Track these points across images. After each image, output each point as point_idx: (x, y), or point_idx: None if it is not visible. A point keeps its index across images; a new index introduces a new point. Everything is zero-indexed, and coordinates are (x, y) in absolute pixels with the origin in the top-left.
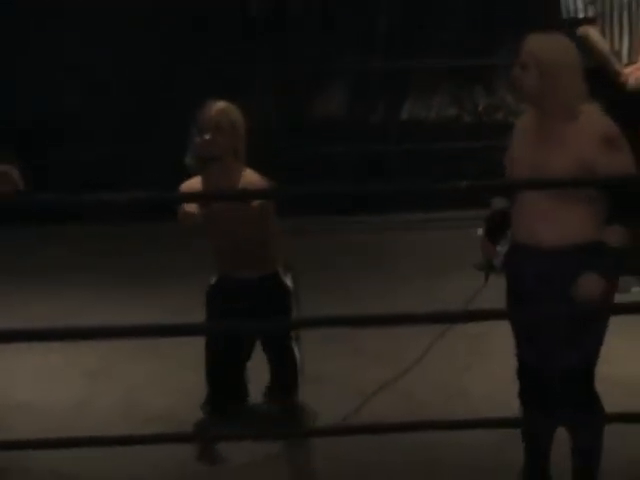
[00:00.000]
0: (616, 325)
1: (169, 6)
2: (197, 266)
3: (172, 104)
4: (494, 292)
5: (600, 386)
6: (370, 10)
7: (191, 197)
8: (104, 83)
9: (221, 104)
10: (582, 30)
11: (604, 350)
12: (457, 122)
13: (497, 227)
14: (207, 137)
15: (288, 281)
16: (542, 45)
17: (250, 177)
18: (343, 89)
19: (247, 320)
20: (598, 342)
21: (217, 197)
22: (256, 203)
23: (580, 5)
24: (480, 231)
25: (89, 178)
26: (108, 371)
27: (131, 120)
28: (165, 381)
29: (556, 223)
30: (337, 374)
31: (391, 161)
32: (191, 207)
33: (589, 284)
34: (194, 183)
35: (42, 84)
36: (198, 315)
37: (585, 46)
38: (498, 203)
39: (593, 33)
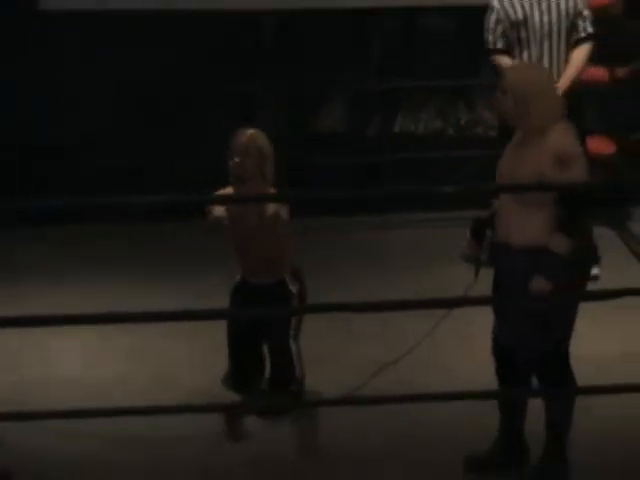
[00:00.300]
0: (584, 309)
1: (195, 33)
2: (208, 263)
3: (202, 119)
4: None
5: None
6: (367, 37)
7: (217, 200)
8: (133, 101)
9: (250, 131)
10: (495, 58)
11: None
12: (442, 134)
13: (480, 228)
14: (237, 160)
15: (293, 288)
16: (518, 75)
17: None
18: (343, 106)
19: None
20: (565, 327)
21: (236, 200)
22: (270, 212)
23: (491, 39)
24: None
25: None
26: (140, 351)
27: (156, 134)
28: (191, 359)
29: (522, 226)
30: (337, 355)
31: (385, 168)
32: (219, 213)
33: (537, 285)
34: (227, 192)
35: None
36: (214, 303)
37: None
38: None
39: (504, 60)
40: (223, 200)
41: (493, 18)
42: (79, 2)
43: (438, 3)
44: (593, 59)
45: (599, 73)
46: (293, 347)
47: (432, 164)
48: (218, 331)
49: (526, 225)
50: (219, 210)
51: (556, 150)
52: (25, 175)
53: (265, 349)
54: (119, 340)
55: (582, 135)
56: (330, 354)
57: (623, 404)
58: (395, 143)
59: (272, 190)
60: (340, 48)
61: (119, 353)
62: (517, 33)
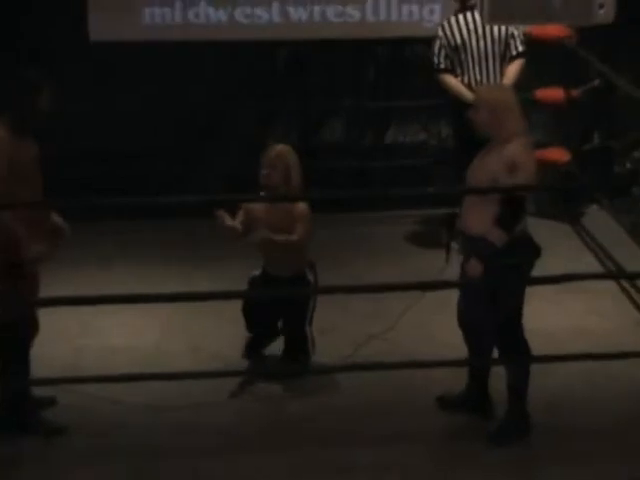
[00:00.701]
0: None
1: (223, 61)
2: (228, 256)
3: (229, 132)
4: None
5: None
6: (362, 64)
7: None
8: (170, 118)
9: (279, 147)
10: (440, 77)
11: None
12: (426, 145)
13: (451, 220)
14: (265, 172)
15: (310, 277)
16: (490, 93)
17: (296, 204)
18: (343, 121)
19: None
20: (510, 304)
21: (259, 200)
22: (299, 221)
23: (436, 61)
24: None
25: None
26: (174, 326)
27: (190, 146)
28: (216, 332)
29: (473, 218)
30: (335, 328)
31: (378, 173)
32: (230, 222)
33: (470, 267)
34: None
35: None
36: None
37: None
38: None
39: (447, 78)
40: (251, 200)
41: (438, 43)
42: (123, 34)
43: (421, 35)
44: (551, 82)
45: (556, 94)
46: (308, 331)
47: (417, 170)
48: (238, 310)
49: (476, 218)
50: (229, 220)
51: (508, 159)
52: (78, 177)
53: (283, 330)
54: (156, 316)
55: None
56: (328, 327)
57: (577, 370)
58: (386, 152)
59: (296, 191)
60: (341, 73)
61: (157, 327)
62: (458, 56)
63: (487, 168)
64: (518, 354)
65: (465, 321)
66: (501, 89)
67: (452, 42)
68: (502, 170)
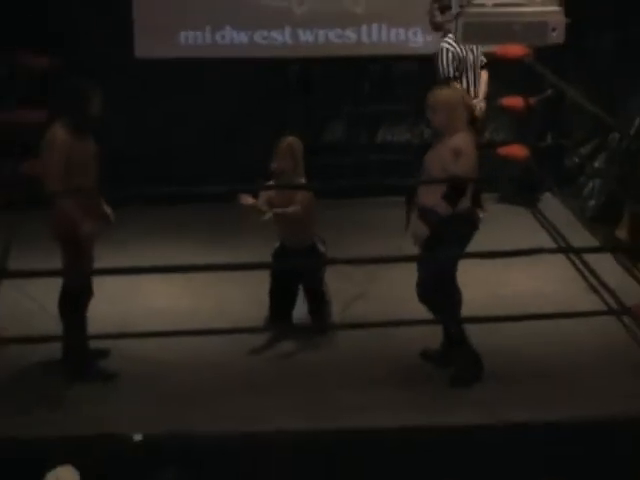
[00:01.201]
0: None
1: (245, 75)
2: (250, 233)
3: (249, 133)
4: None
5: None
6: (359, 76)
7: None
8: (201, 123)
9: (288, 139)
10: (452, 83)
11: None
12: (410, 143)
13: (411, 196)
14: (276, 161)
15: (321, 247)
16: (442, 97)
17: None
18: (343, 124)
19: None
20: (448, 263)
21: (275, 187)
22: (299, 198)
23: (450, 70)
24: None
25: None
26: (206, 291)
27: (217, 145)
28: (242, 297)
29: (426, 194)
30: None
31: (372, 166)
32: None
33: (417, 228)
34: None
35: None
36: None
37: None
38: None
39: (455, 84)
40: (267, 188)
41: (450, 56)
42: (163, 52)
43: (406, 53)
44: (513, 92)
45: (517, 101)
46: (325, 290)
47: (404, 164)
48: (260, 279)
49: (429, 194)
50: (251, 200)
51: (454, 148)
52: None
53: (305, 291)
54: (190, 284)
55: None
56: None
57: (536, 325)
58: (378, 149)
59: (302, 180)
60: (341, 85)
61: (191, 292)
62: (458, 66)
63: (438, 155)
64: (450, 305)
65: (419, 292)
66: (452, 93)
67: (458, 55)
68: (449, 156)
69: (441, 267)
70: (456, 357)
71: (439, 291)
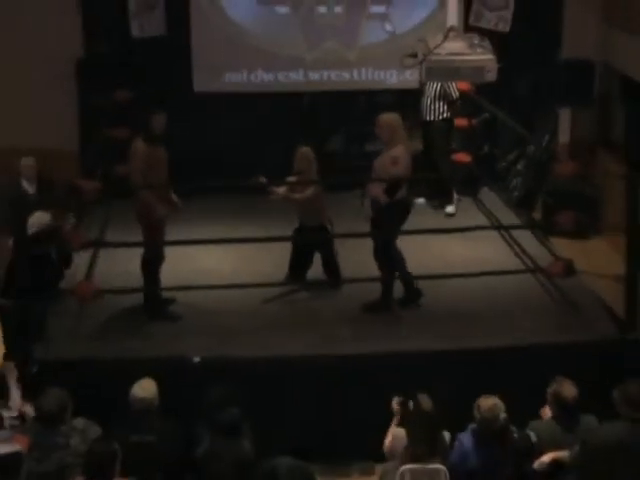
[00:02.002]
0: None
1: (269, 104)
2: (275, 215)
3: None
4: None
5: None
6: (351, 104)
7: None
8: (240, 140)
9: (303, 148)
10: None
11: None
12: None
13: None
14: (296, 164)
15: (329, 226)
16: (382, 118)
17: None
18: (341, 138)
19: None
20: (384, 240)
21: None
22: (311, 190)
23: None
24: (420, 200)
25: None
26: (244, 257)
27: (251, 155)
28: (271, 261)
29: (373, 188)
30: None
31: (361, 169)
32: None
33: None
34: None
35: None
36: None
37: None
38: None
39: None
40: (290, 183)
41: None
42: (213, 87)
43: (384, 87)
44: (461, 115)
45: (464, 122)
46: (336, 256)
47: None
48: (283, 249)
49: (374, 188)
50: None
51: (393, 156)
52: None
53: (322, 258)
54: (233, 252)
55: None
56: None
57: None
58: (366, 156)
59: (315, 178)
60: (339, 110)
61: (233, 258)
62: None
63: (382, 161)
64: (390, 264)
65: (375, 255)
66: (393, 116)
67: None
68: (389, 162)
69: (385, 239)
70: (381, 294)
71: (386, 254)
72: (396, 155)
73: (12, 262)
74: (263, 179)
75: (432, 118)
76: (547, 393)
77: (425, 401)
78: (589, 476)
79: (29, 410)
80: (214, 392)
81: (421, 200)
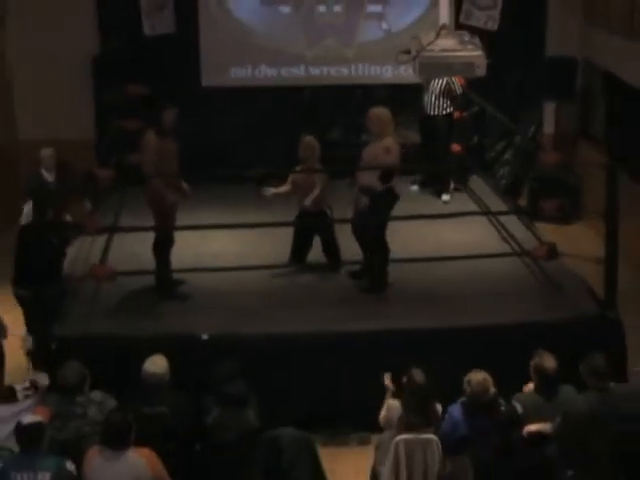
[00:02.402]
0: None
1: (272, 98)
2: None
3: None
4: None
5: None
6: (349, 97)
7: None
8: (245, 132)
9: (307, 137)
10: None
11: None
12: None
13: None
14: (301, 152)
15: (328, 212)
16: (373, 111)
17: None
18: (340, 128)
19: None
20: (381, 222)
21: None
22: (315, 177)
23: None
24: (413, 187)
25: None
26: (249, 241)
27: (254, 147)
28: (274, 245)
29: (366, 176)
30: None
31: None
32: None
33: (361, 201)
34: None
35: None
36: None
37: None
38: None
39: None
40: (295, 172)
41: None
42: (220, 82)
43: (380, 82)
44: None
45: (455, 114)
46: (335, 238)
47: None
48: (285, 233)
49: (367, 176)
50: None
51: (385, 147)
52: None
53: (321, 239)
54: (239, 236)
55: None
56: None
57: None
58: (362, 145)
59: (319, 166)
60: (338, 102)
61: (239, 242)
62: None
63: (373, 151)
64: (378, 250)
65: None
66: (383, 110)
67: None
68: (382, 152)
69: (377, 222)
70: (370, 279)
71: (380, 239)
72: (388, 145)
73: (19, 251)
74: (270, 190)
75: (436, 113)
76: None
77: (418, 375)
78: (567, 445)
79: (41, 379)
80: (221, 367)
81: (415, 187)
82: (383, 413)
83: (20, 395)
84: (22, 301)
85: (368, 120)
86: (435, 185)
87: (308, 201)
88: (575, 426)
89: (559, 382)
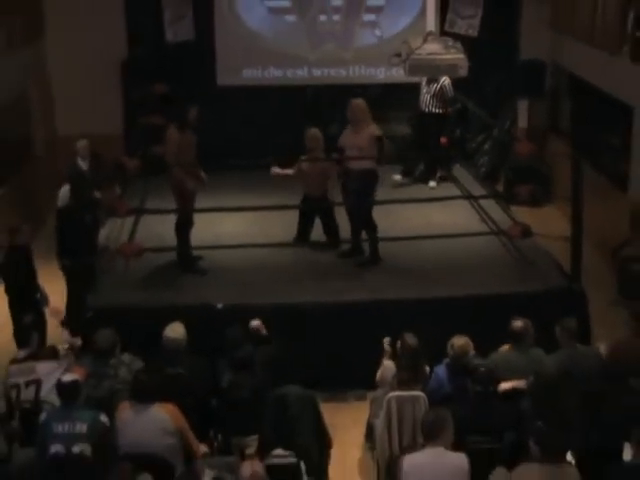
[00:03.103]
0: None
1: (280, 96)
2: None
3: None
4: None
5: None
6: (347, 95)
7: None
8: (256, 126)
9: (312, 129)
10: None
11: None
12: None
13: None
14: (307, 142)
15: (329, 196)
16: (354, 102)
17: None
18: (339, 123)
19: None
20: (369, 203)
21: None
22: (320, 166)
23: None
24: (396, 177)
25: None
26: (258, 221)
27: (263, 140)
28: (281, 225)
29: (358, 164)
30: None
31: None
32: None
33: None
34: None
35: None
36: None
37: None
38: None
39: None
40: (302, 160)
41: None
42: (233, 81)
43: (374, 82)
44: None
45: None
46: (335, 219)
47: None
48: (292, 215)
49: (360, 163)
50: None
51: (371, 132)
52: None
53: (322, 220)
54: (250, 218)
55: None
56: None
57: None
58: None
59: (322, 155)
60: (337, 99)
61: (250, 223)
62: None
63: (360, 138)
64: (371, 229)
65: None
66: (362, 102)
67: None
68: (369, 138)
69: (369, 203)
70: (370, 253)
71: (370, 218)
72: (373, 131)
73: (58, 229)
74: (276, 169)
75: (429, 111)
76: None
77: (410, 338)
78: (540, 401)
79: (76, 341)
80: (232, 333)
81: (398, 177)
82: (379, 372)
83: (61, 353)
84: (65, 271)
85: (351, 110)
86: (421, 174)
87: (322, 186)
88: (548, 383)
89: (530, 341)
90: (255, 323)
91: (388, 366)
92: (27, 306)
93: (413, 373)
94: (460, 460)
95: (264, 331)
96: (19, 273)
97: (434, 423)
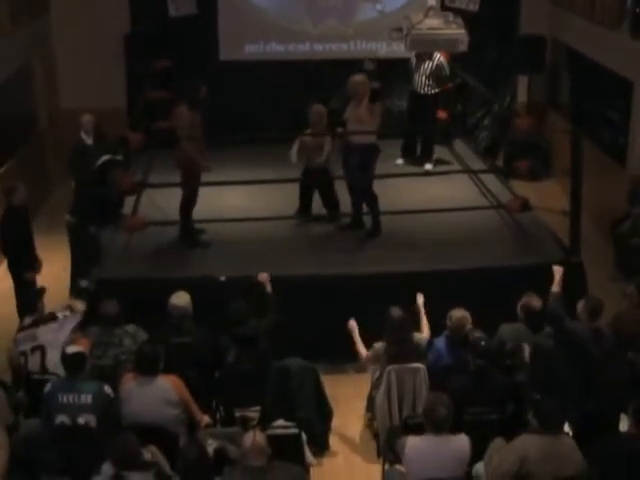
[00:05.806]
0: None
1: (281, 73)
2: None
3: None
4: None
5: None
6: (347, 70)
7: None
8: (259, 102)
9: (316, 105)
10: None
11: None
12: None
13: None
14: (312, 117)
15: (329, 169)
16: (353, 79)
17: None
18: (339, 97)
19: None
20: (367, 183)
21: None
22: (321, 140)
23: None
24: (399, 161)
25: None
26: (260, 195)
27: (264, 115)
28: (283, 200)
29: (359, 138)
30: None
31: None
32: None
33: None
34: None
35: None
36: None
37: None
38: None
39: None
40: (307, 135)
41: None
42: (235, 56)
43: (375, 57)
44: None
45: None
46: (336, 192)
47: None
48: (293, 189)
49: (363, 138)
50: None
51: (368, 105)
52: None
53: (320, 193)
54: (253, 191)
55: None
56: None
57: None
58: None
59: (326, 131)
60: (338, 73)
61: (251, 195)
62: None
63: (360, 111)
64: (372, 201)
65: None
66: (361, 77)
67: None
68: (368, 110)
69: (369, 176)
70: (372, 225)
71: (371, 191)
72: (371, 106)
73: (76, 197)
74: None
75: (424, 92)
76: (518, 305)
77: (396, 311)
78: (537, 374)
79: (77, 304)
80: (235, 307)
81: (400, 161)
82: (371, 352)
83: (60, 315)
84: (69, 231)
85: (350, 86)
86: (415, 155)
87: (321, 159)
88: (545, 356)
89: (543, 319)
90: (263, 275)
91: (377, 344)
92: (26, 265)
93: (400, 347)
94: (462, 443)
95: (269, 288)
96: (18, 232)
97: (446, 421)
